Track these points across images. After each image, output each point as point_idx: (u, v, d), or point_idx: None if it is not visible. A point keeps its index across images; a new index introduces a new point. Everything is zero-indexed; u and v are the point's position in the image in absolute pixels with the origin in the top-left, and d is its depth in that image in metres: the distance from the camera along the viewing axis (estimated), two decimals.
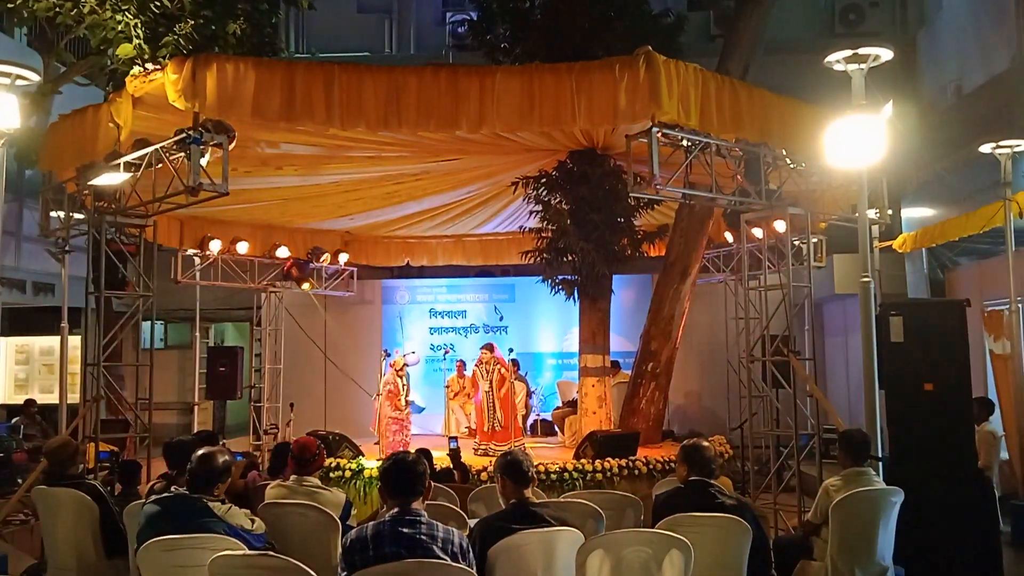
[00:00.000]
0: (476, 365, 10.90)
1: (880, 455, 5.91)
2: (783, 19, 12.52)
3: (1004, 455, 8.19)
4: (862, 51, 5.89)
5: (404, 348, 12.19)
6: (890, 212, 8.96)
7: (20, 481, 8.68)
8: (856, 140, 5.81)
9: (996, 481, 7.58)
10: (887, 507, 4.99)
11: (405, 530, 3.33)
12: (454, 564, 3.33)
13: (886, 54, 5.92)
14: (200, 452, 4.05)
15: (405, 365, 10.61)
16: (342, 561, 3.44)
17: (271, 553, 3.73)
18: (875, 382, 6.11)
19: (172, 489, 4.28)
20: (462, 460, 8.31)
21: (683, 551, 3.77)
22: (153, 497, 4.15)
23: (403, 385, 10.45)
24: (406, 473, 3.48)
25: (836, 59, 5.97)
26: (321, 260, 12.46)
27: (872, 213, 8.18)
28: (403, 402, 10.27)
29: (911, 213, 12.20)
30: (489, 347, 10.86)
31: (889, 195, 8.77)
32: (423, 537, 3.33)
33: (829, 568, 4.98)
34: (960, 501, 6.25)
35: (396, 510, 3.40)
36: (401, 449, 3.83)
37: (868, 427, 5.99)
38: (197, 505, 3.88)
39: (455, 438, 9.83)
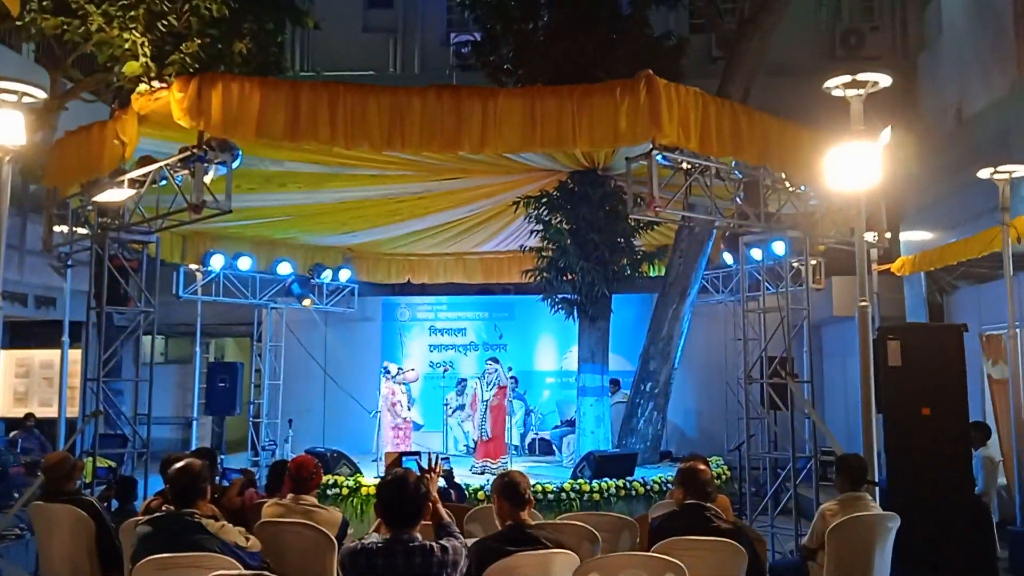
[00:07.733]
0: (478, 378, 11.00)
1: (877, 480, 5.90)
2: (784, 42, 12.59)
3: (1002, 480, 8.17)
4: (860, 77, 5.92)
5: (404, 365, 12.23)
6: (889, 235, 8.98)
7: (17, 495, 8.69)
8: (854, 165, 5.85)
9: (994, 506, 7.56)
10: (884, 532, 4.99)
11: (399, 560, 3.32)
12: None
13: (884, 80, 5.95)
14: (177, 466, 4.01)
15: (399, 371, 11.25)
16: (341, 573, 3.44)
17: (266, 573, 3.72)
18: (872, 406, 6.11)
19: (163, 508, 4.27)
20: (455, 480, 8.31)
21: (678, 575, 3.78)
22: (145, 518, 4.14)
23: (403, 394, 11.07)
24: (406, 502, 3.41)
25: (834, 85, 6.01)
26: (322, 276, 12.53)
27: (870, 236, 8.21)
28: (405, 408, 10.99)
29: (910, 236, 12.23)
30: (495, 360, 10.97)
31: (888, 218, 8.79)
32: (417, 564, 3.32)
33: None
34: (958, 526, 6.24)
35: (390, 536, 3.38)
36: (402, 468, 3.76)
37: (865, 451, 5.97)
38: (190, 522, 3.86)
39: (447, 458, 9.80)
